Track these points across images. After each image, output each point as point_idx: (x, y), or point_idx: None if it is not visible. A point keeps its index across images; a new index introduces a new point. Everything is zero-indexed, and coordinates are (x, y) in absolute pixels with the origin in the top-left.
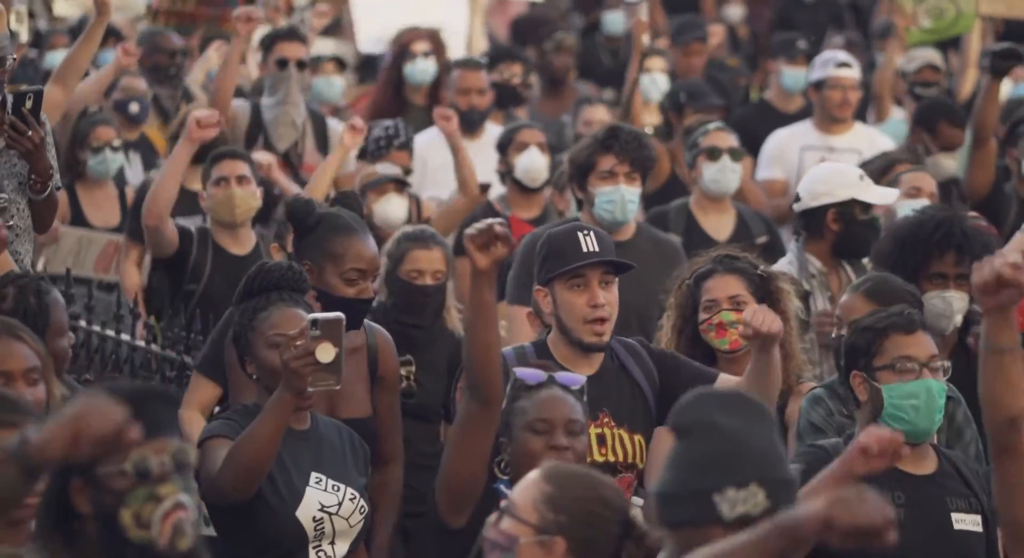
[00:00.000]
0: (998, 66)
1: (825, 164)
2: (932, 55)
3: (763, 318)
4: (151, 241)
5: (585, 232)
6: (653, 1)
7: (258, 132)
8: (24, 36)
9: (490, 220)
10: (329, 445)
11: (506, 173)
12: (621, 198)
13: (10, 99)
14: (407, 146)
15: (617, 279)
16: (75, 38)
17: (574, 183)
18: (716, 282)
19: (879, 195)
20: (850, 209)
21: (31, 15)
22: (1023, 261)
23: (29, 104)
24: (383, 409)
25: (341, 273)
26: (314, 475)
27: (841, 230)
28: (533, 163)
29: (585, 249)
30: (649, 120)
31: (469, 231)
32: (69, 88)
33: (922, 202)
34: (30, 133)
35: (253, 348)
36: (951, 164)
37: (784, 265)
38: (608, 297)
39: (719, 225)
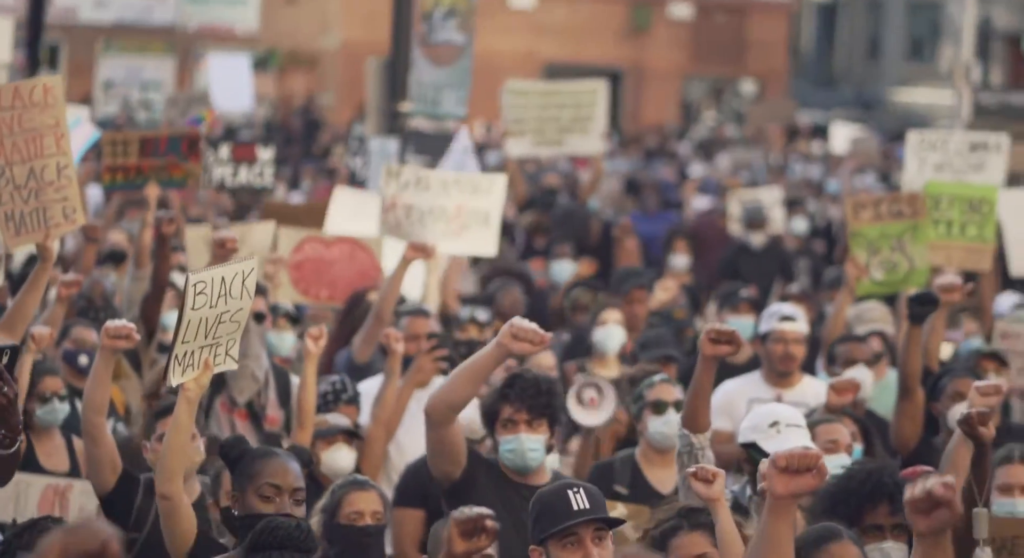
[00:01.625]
0: (916, 312)
1: (766, 404)
2: (881, 320)
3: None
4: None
5: (575, 490)
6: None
7: (219, 384)
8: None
9: (481, 510)
10: None
11: None
12: (521, 446)
13: None
14: (354, 401)
15: (611, 533)
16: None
17: (487, 429)
18: (683, 541)
19: (776, 446)
20: (752, 453)
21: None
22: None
23: (4, 360)
24: None
25: (257, 489)
26: None
27: (752, 471)
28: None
29: (575, 507)
30: (607, 372)
31: (457, 515)
32: (17, 334)
33: (840, 456)
34: (4, 389)
35: None
36: (862, 373)
37: (737, 489)
38: (602, 553)
39: (665, 478)
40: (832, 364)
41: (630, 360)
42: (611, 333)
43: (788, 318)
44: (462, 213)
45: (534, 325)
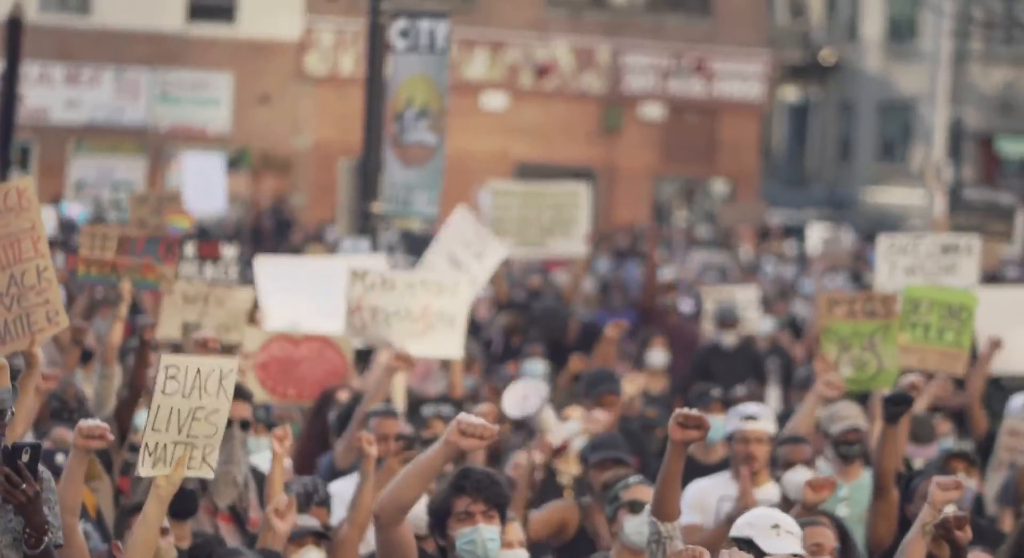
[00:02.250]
0: (891, 412)
1: (769, 508)
2: (856, 417)
3: None
4: None
5: None
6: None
7: (202, 487)
8: None
9: None
10: None
11: None
12: (481, 536)
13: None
14: (325, 503)
15: None
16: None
17: (435, 532)
18: None
19: (773, 547)
20: (746, 548)
21: None
22: None
23: (26, 457)
24: None
25: None
26: None
27: None
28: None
29: None
30: (567, 469)
31: None
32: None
33: None
34: (24, 486)
35: None
36: (803, 475)
37: None
38: None
39: None
40: (773, 466)
41: (585, 460)
42: (572, 429)
43: (751, 418)
44: (428, 314)
45: (481, 420)
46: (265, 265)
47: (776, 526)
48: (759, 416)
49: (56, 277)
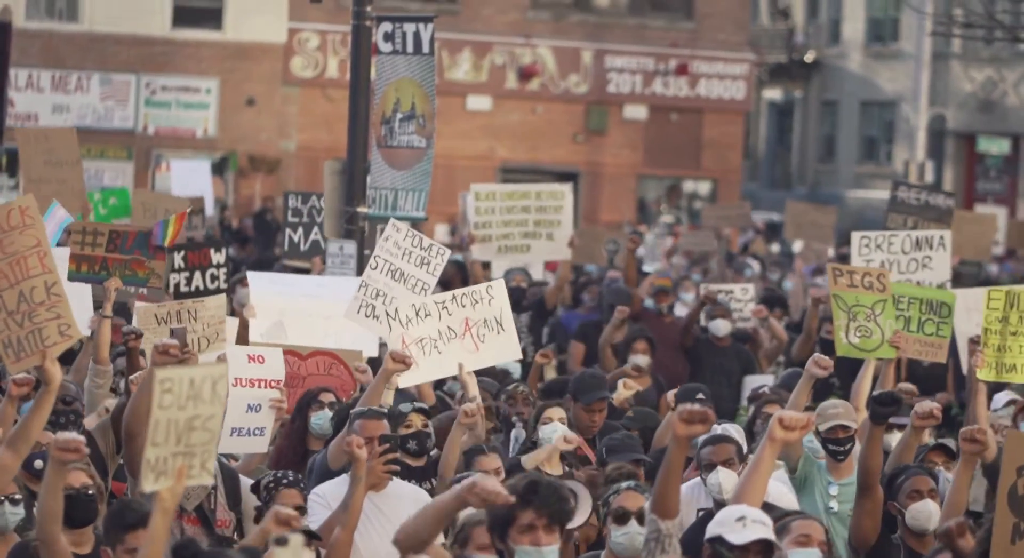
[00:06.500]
0: (879, 412)
1: (736, 505)
2: (844, 416)
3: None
4: None
5: None
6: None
7: None
8: None
9: None
10: None
11: None
12: (540, 555)
13: None
14: (295, 484)
15: None
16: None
17: (495, 534)
18: None
19: (741, 538)
20: (716, 545)
21: None
22: None
23: None
24: None
25: None
26: None
27: None
28: None
29: None
30: (551, 470)
31: None
32: (20, 455)
33: (813, 550)
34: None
35: None
36: (724, 476)
37: None
38: None
39: None
40: (698, 467)
41: (600, 462)
42: (556, 430)
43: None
44: (472, 326)
45: (498, 486)
46: (257, 281)
47: (741, 518)
48: (727, 432)
49: (64, 292)
